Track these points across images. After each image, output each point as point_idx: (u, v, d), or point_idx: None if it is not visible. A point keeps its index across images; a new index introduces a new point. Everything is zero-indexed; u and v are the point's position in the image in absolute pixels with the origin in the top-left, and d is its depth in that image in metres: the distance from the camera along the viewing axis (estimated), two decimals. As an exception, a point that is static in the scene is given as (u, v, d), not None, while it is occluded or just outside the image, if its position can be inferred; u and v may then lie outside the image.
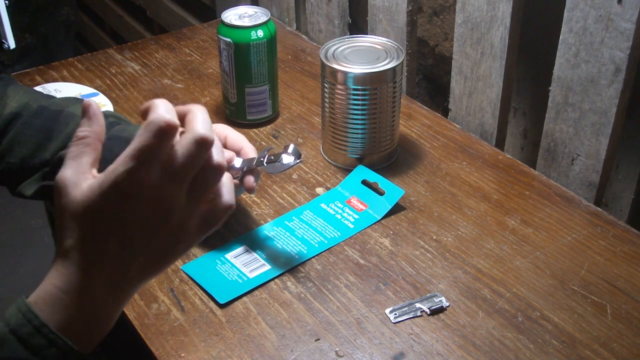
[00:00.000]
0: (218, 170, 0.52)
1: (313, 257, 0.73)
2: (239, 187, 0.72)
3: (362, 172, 0.83)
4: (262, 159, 0.69)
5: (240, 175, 0.71)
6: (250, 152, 0.71)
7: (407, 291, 0.68)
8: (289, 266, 0.71)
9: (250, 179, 0.70)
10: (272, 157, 0.69)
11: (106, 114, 0.80)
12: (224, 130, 0.73)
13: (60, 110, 0.78)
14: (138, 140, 0.49)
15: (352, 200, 0.80)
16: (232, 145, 0.72)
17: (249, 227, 0.77)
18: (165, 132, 0.49)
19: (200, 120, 0.52)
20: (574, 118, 0.81)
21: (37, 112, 0.77)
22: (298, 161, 0.68)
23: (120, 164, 0.49)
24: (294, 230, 0.76)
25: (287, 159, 0.68)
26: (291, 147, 0.69)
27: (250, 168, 0.70)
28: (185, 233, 0.52)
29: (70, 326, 0.50)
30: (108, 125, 0.76)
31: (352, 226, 0.77)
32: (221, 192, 0.53)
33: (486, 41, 0.88)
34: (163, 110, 0.50)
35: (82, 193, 0.50)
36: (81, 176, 0.50)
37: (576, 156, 0.82)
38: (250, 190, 0.70)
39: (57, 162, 0.74)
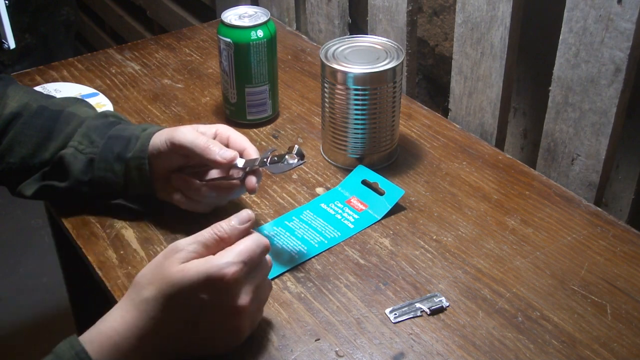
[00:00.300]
0: (271, 287, 0.63)
1: (313, 257, 0.73)
2: (241, 188, 0.72)
3: (362, 172, 0.83)
4: (265, 160, 0.69)
5: (242, 176, 0.71)
6: (253, 153, 0.72)
7: (407, 291, 0.68)
8: (289, 266, 0.71)
9: (252, 180, 0.70)
10: (276, 158, 0.69)
11: (107, 114, 0.80)
12: (227, 131, 0.73)
13: (60, 110, 0.78)
14: (245, 246, 0.57)
15: (352, 200, 0.80)
16: (235, 146, 0.72)
17: (249, 227, 0.77)
18: (268, 250, 0.60)
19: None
20: (574, 118, 0.81)
21: (37, 112, 0.77)
22: (302, 162, 0.69)
23: (227, 260, 0.56)
24: (294, 230, 0.76)
25: (291, 159, 0.68)
26: (295, 149, 0.69)
27: (252, 168, 0.70)
28: (240, 334, 0.59)
29: None
30: (108, 124, 0.77)
31: (352, 226, 0.77)
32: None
33: (486, 41, 0.88)
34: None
35: (184, 268, 0.55)
36: (192, 254, 0.57)
37: (576, 156, 0.82)
38: (251, 191, 0.70)
39: (58, 162, 0.75)
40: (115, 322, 0.55)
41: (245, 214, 0.60)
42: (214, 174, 0.74)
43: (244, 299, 0.57)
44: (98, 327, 0.56)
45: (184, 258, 0.56)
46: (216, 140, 0.72)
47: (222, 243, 0.58)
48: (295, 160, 0.68)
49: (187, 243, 0.57)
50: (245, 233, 0.59)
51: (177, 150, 0.71)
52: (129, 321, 0.55)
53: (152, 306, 0.55)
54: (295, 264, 0.72)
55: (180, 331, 0.56)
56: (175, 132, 0.72)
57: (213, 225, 0.58)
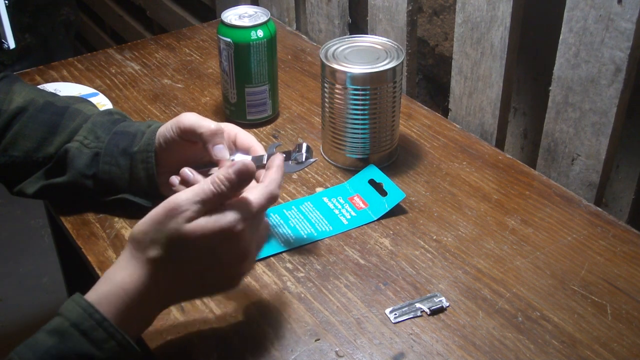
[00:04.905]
0: (268, 227, 0.64)
1: (299, 247, 0.73)
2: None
3: (371, 172, 0.83)
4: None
5: None
6: (260, 150, 0.72)
7: (407, 291, 0.68)
8: (274, 252, 0.72)
9: (262, 174, 0.70)
10: (285, 155, 0.69)
11: (112, 111, 0.81)
12: (233, 130, 0.74)
13: (66, 106, 0.78)
14: (255, 198, 0.59)
15: (354, 198, 0.80)
16: (242, 143, 0.73)
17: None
18: (275, 199, 0.62)
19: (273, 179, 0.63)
20: (574, 118, 0.81)
21: (43, 107, 0.77)
22: (312, 160, 0.69)
23: (237, 217, 0.57)
24: (288, 219, 0.77)
25: (301, 158, 0.69)
26: (304, 147, 0.69)
27: (260, 165, 0.70)
28: (242, 277, 0.61)
29: (126, 324, 0.55)
30: (114, 121, 0.77)
31: (346, 222, 0.77)
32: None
33: (486, 41, 0.88)
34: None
35: (195, 228, 0.56)
36: (196, 214, 0.56)
37: (576, 156, 0.82)
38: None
39: (62, 156, 0.75)
40: (123, 282, 0.56)
41: (243, 167, 0.59)
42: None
43: (251, 245, 0.59)
44: (103, 287, 0.56)
45: (189, 218, 0.56)
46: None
47: (221, 197, 0.58)
48: (304, 159, 0.69)
49: (190, 202, 0.56)
50: (242, 183, 0.59)
51: (184, 134, 0.71)
52: (136, 280, 0.56)
53: (161, 266, 0.56)
54: (280, 250, 0.73)
55: (188, 283, 0.58)
56: (181, 116, 0.72)
57: (211, 180, 0.58)
